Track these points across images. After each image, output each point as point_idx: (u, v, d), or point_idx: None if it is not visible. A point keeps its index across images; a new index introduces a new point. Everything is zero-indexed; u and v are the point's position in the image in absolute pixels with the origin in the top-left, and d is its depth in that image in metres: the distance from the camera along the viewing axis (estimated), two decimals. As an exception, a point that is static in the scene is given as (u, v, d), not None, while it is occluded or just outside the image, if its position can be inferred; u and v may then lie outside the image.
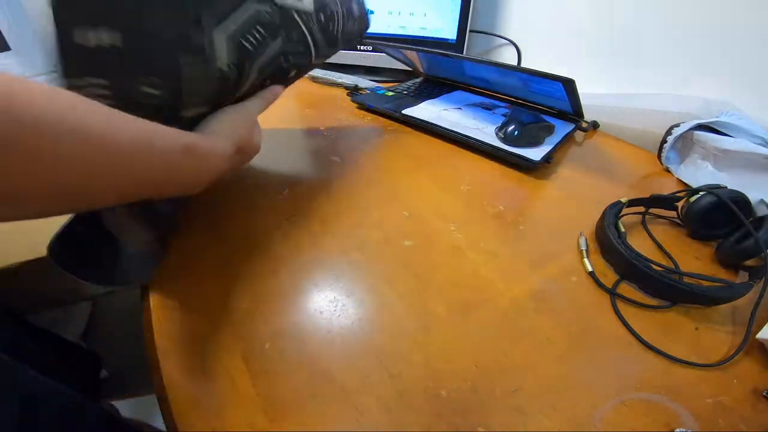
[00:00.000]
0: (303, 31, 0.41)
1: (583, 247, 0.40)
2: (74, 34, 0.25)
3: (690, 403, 0.27)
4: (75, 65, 0.26)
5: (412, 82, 0.84)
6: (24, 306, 0.51)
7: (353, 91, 0.83)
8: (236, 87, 0.35)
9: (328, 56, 0.50)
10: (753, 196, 0.42)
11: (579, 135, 0.65)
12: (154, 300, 0.33)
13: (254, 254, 0.37)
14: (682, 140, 0.54)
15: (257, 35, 0.35)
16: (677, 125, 0.53)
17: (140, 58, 0.28)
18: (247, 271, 0.36)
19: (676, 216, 0.45)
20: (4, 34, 0.95)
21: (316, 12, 0.42)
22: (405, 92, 0.77)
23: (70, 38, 0.25)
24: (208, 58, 0.31)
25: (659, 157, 0.55)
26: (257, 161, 0.55)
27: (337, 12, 0.46)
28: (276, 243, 0.39)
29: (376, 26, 0.90)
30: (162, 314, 0.31)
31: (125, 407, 0.64)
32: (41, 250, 0.30)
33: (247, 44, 0.34)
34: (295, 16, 0.40)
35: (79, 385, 0.55)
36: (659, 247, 0.41)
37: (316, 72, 0.93)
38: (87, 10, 0.25)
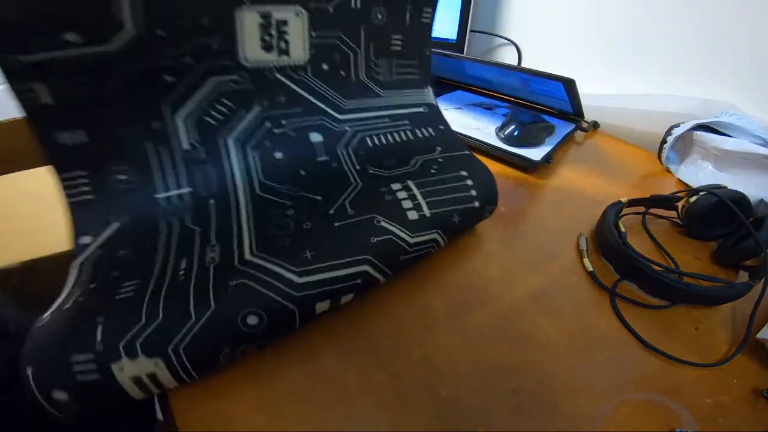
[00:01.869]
0: (293, 89, 0.36)
1: (583, 247, 0.40)
2: (56, 136, 0.28)
3: (690, 402, 0.27)
4: (62, 162, 0.28)
5: (412, 82, 0.83)
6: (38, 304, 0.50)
7: (353, 91, 0.83)
8: (214, 162, 0.33)
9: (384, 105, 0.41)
10: (753, 196, 0.42)
11: (579, 135, 0.65)
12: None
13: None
14: (682, 140, 0.54)
15: (223, 108, 0.33)
16: (677, 125, 0.53)
17: (109, 149, 0.30)
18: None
19: (676, 216, 0.45)
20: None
21: (311, 63, 0.36)
22: (405, 92, 0.76)
23: (54, 140, 0.28)
24: (170, 141, 0.31)
25: (659, 157, 0.55)
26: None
27: (355, 51, 0.39)
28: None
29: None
30: (162, 314, 0.31)
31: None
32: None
33: (210, 120, 0.33)
34: (277, 75, 0.35)
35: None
36: (659, 246, 0.41)
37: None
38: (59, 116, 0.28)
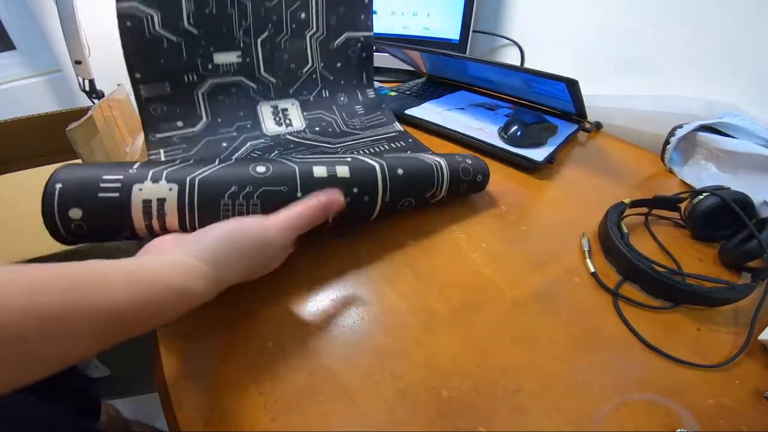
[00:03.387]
0: (299, 142, 0.54)
1: (586, 248, 0.40)
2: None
3: (691, 403, 0.27)
4: None
5: (414, 82, 0.84)
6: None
7: (356, 91, 0.83)
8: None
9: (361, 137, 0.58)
10: (756, 198, 0.42)
11: (582, 136, 0.65)
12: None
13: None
14: (686, 141, 0.53)
15: (255, 155, 0.51)
16: (680, 126, 0.53)
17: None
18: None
19: (679, 217, 0.44)
20: (10, 33, 0.95)
21: (307, 128, 0.56)
22: (408, 92, 0.77)
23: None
24: None
25: (662, 158, 0.55)
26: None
27: (334, 118, 0.59)
28: (278, 242, 0.39)
29: (379, 26, 0.90)
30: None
31: (126, 407, 0.65)
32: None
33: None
34: (288, 137, 0.54)
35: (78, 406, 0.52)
36: (662, 248, 0.41)
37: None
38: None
